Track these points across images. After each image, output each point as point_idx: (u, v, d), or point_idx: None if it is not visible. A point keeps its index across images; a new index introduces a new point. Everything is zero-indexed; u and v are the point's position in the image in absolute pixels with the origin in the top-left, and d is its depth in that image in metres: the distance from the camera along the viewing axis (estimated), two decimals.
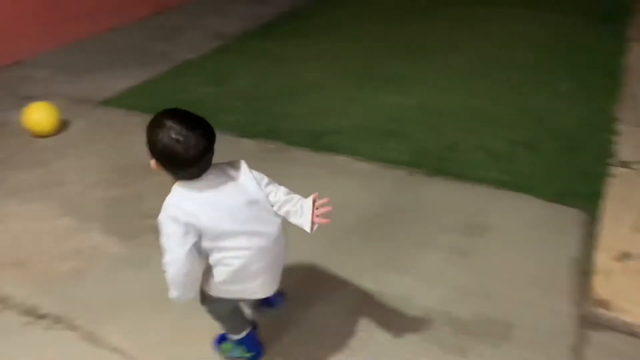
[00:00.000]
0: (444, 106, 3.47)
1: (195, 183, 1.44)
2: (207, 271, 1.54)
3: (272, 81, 3.91)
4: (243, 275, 1.50)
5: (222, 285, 1.53)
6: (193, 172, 1.42)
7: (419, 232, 2.35)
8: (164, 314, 1.97)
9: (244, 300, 1.79)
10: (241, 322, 1.75)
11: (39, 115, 3.19)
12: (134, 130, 3.23)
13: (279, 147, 3.02)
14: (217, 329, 1.77)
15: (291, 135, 3.13)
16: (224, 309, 1.68)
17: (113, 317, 1.97)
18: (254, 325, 1.81)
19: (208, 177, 1.46)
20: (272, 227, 1.53)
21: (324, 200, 1.55)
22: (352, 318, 1.93)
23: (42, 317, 1.97)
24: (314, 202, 1.54)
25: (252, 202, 1.49)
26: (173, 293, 1.47)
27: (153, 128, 1.41)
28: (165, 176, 1.46)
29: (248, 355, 1.77)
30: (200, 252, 1.46)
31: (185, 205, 1.42)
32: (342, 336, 1.86)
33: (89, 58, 4.47)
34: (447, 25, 5.04)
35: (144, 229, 2.33)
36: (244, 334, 1.74)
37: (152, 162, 1.42)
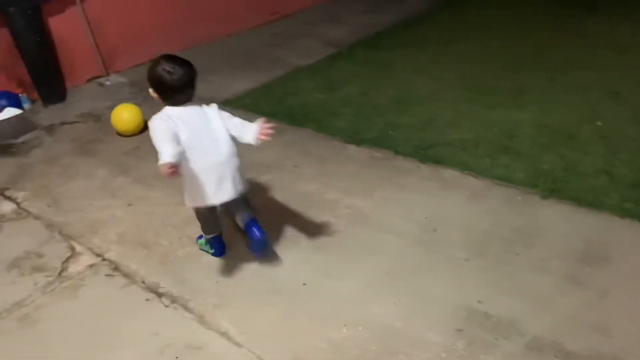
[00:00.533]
0: (564, 125, 3.26)
1: (178, 108, 2.01)
2: (183, 184, 2.11)
3: (382, 89, 3.93)
4: (198, 184, 2.05)
5: (187, 193, 2.13)
6: (178, 99, 2.01)
7: (530, 255, 2.24)
8: (270, 306, 2.07)
9: (210, 207, 2.18)
10: (212, 226, 2.30)
11: (126, 115, 3.51)
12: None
13: (386, 156, 3.03)
14: None
15: (399, 144, 3.13)
16: (200, 214, 2.26)
17: (223, 303, 2.10)
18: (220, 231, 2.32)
19: (187, 106, 2.03)
20: (224, 148, 2.08)
21: (269, 124, 2.13)
22: (456, 335, 1.89)
23: (161, 295, 2.16)
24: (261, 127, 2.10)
25: (212, 129, 2.07)
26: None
27: (152, 66, 1.99)
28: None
29: (211, 252, 2.36)
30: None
31: (169, 112, 1.99)
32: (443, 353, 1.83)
33: (211, 61, 4.80)
34: (572, 39, 4.73)
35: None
36: (211, 236, 2.31)
37: (150, 90, 2.02)
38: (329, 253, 2.35)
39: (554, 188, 2.65)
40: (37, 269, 2.36)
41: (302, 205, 2.65)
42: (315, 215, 2.57)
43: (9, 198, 2.90)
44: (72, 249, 2.47)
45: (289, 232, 2.49)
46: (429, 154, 3.00)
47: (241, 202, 2.22)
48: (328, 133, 3.33)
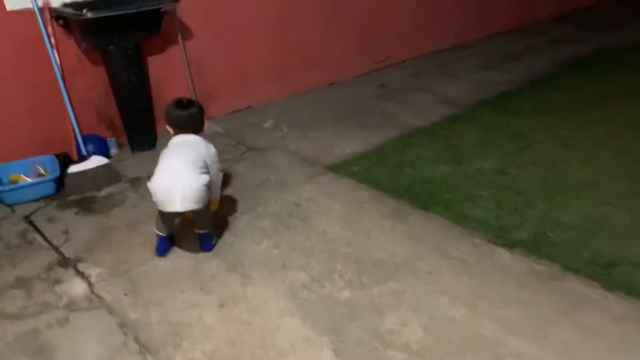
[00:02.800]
0: None
1: (179, 136, 2.56)
2: None
3: (523, 168, 3.22)
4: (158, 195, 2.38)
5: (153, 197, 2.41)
6: (182, 131, 2.55)
7: None
8: None
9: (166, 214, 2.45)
10: (161, 227, 2.52)
11: None
12: (365, 210, 2.81)
13: (553, 272, 2.29)
14: None
15: (566, 254, 2.39)
16: (159, 213, 2.49)
17: None
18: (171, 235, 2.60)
19: (187, 135, 2.55)
20: (189, 178, 2.36)
21: None
22: None
23: None
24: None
25: (189, 160, 2.40)
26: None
27: (169, 108, 2.58)
28: None
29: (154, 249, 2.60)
30: None
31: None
32: None
33: (313, 113, 4.30)
34: None
35: None
36: (157, 233, 2.55)
37: (167, 126, 2.59)
38: None
39: None
40: None
41: (449, 341, 1.97)
42: None
43: (83, 275, 2.43)
44: None
45: None
46: (613, 276, 2.24)
47: (199, 215, 2.50)
48: (465, 225, 2.65)
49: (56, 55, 3.30)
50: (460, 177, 3.16)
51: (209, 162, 2.49)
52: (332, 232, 2.64)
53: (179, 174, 2.36)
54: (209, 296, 2.25)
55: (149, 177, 2.43)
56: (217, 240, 2.64)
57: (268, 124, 4.12)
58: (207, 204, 2.47)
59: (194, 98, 2.68)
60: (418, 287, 2.23)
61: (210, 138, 3.86)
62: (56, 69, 3.24)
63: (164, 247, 2.58)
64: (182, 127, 2.54)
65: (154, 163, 2.45)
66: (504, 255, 2.42)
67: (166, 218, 2.50)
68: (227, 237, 2.66)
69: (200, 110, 2.60)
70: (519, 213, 2.75)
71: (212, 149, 2.59)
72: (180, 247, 2.60)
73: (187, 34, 3.90)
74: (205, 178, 2.37)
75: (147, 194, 2.45)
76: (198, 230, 2.56)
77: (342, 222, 2.73)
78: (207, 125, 4.09)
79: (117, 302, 2.24)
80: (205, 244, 2.58)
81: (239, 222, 2.79)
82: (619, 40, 6.01)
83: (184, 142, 2.51)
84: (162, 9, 3.34)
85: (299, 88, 4.79)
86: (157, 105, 3.92)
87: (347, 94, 4.73)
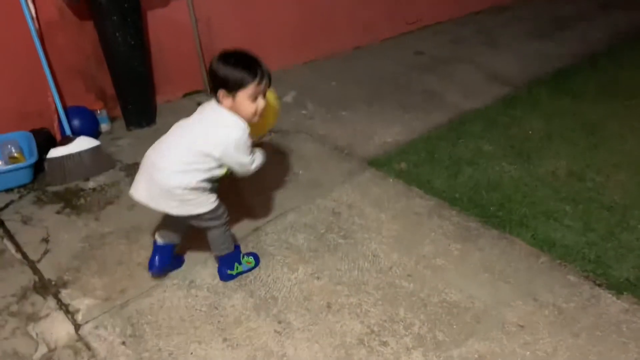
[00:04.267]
0: None
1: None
2: None
3: (604, 172, 2.64)
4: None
5: None
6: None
7: None
8: None
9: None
10: (159, 230, 1.97)
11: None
12: (424, 227, 2.24)
13: None
14: None
15: None
16: None
17: None
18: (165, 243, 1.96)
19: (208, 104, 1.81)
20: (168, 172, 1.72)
21: None
22: None
23: None
24: None
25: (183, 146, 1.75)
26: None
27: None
28: None
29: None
30: None
31: None
32: None
33: (340, 87, 3.65)
34: None
35: None
36: (154, 240, 1.97)
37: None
38: None
39: None
40: None
41: None
42: None
43: (67, 309, 1.87)
44: None
45: None
46: None
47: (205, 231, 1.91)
48: (554, 255, 2.10)
49: (30, 5, 2.59)
50: (533, 182, 2.59)
51: (217, 156, 1.71)
52: (387, 259, 2.08)
53: (160, 160, 1.74)
54: (236, 352, 1.70)
55: None
56: (239, 269, 1.99)
57: (289, 97, 3.47)
58: (214, 217, 1.83)
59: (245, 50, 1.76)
60: (511, 349, 1.70)
61: None
62: (30, 24, 2.54)
63: (158, 260, 1.95)
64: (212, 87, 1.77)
65: (152, 144, 1.83)
66: (610, 302, 1.88)
67: (165, 218, 1.95)
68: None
69: (231, 64, 1.70)
70: (615, 238, 2.20)
71: (231, 137, 1.72)
72: (191, 266, 2.03)
73: None
74: (192, 180, 1.70)
75: None
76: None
77: (396, 243, 2.16)
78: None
79: (112, 356, 1.69)
80: (220, 270, 1.99)
81: (265, 235, 2.22)
82: None
83: (196, 117, 1.81)
84: None
85: (321, 52, 4.11)
86: (158, 71, 3.26)
87: (379, 63, 4.05)
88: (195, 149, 1.71)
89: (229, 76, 1.69)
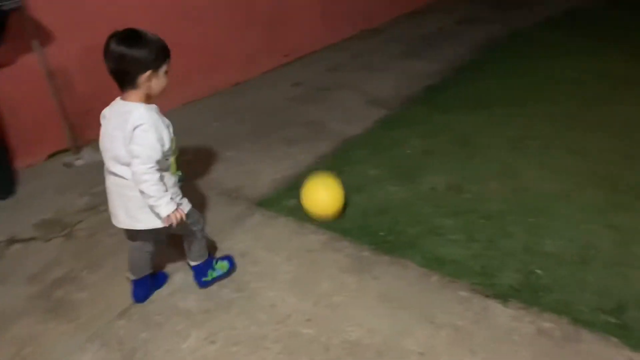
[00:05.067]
0: None
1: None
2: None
3: (481, 181, 2.80)
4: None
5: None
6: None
7: None
8: None
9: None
10: (129, 263, 2.02)
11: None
12: (320, 264, 2.20)
13: (563, 329, 1.85)
14: None
15: (568, 300, 1.98)
16: None
17: None
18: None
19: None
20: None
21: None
22: None
23: None
24: None
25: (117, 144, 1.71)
26: None
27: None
28: None
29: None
30: None
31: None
32: None
33: (222, 126, 3.56)
34: None
35: None
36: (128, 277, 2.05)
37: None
38: None
39: None
40: None
41: None
42: None
43: None
44: None
45: None
46: (630, 327, 1.87)
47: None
48: (444, 272, 2.16)
49: None
50: (417, 200, 2.67)
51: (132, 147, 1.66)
52: (284, 306, 2.00)
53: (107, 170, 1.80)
54: None
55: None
56: (213, 275, 2.09)
57: None
58: (187, 222, 1.86)
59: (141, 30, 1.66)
60: None
61: (92, 171, 2.99)
62: None
63: (139, 292, 2.04)
64: (114, 78, 1.68)
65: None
66: (499, 312, 1.96)
67: (130, 255, 1.99)
68: (136, 331, 1.91)
69: (122, 46, 1.62)
70: (495, 246, 2.32)
71: (140, 119, 1.64)
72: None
73: (46, 37, 2.93)
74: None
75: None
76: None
77: (293, 286, 2.10)
78: (87, 153, 3.20)
79: None
80: (197, 278, 2.10)
81: (151, 303, 2.04)
82: (527, 18, 5.92)
83: (113, 111, 1.75)
84: (4, 8, 2.39)
85: (200, 92, 4.00)
86: (14, 133, 2.95)
87: (259, 97, 4.03)
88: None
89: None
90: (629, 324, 1.88)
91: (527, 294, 2.04)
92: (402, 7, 6.26)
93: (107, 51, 1.62)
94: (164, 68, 1.70)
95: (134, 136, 1.63)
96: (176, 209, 1.74)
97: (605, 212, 2.52)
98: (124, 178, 1.73)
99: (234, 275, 2.17)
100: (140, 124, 1.63)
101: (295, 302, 2.02)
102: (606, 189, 2.70)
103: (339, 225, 2.48)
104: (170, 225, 1.75)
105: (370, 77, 4.37)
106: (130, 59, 1.61)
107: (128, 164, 1.68)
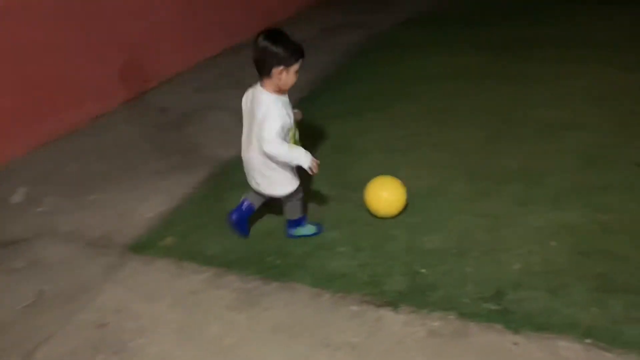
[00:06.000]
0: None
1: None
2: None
3: (361, 185, 2.81)
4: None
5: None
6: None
7: None
8: None
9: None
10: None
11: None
12: (204, 305, 2.05)
13: (452, 326, 1.90)
14: None
15: (453, 296, 2.04)
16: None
17: None
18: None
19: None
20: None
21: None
22: None
23: None
24: None
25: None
26: None
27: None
28: None
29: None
30: None
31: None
32: None
33: (81, 166, 3.24)
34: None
35: None
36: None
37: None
38: None
39: None
40: None
41: None
42: None
43: None
44: None
45: None
46: (510, 311, 1.98)
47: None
48: (335, 288, 2.12)
49: None
50: None
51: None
52: (172, 359, 1.82)
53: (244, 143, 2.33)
54: None
55: None
56: (300, 232, 2.42)
57: (18, 197, 2.92)
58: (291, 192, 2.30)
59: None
60: None
61: None
62: None
63: (236, 214, 2.39)
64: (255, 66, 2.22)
65: None
66: (391, 320, 1.96)
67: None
68: None
69: (267, 41, 2.13)
70: (380, 252, 2.34)
71: (270, 106, 2.19)
72: None
73: None
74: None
75: None
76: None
77: (179, 336, 1.92)
78: None
79: None
80: (288, 230, 2.44)
81: None
82: (386, 21, 6.21)
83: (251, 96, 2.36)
84: None
85: (53, 132, 3.61)
86: None
87: (123, 130, 3.74)
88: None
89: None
90: (509, 308, 1.99)
91: (416, 296, 2.08)
92: (265, 20, 6.24)
93: (254, 42, 2.09)
94: (295, 67, 2.13)
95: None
96: None
97: (474, 201, 2.67)
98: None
99: (110, 336, 1.94)
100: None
101: (183, 354, 1.85)
102: (471, 178, 2.87)
103: (223, 258, 2.34)
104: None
105: (241, 95, 4.24)
106: (269, 52, 2.06)
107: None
